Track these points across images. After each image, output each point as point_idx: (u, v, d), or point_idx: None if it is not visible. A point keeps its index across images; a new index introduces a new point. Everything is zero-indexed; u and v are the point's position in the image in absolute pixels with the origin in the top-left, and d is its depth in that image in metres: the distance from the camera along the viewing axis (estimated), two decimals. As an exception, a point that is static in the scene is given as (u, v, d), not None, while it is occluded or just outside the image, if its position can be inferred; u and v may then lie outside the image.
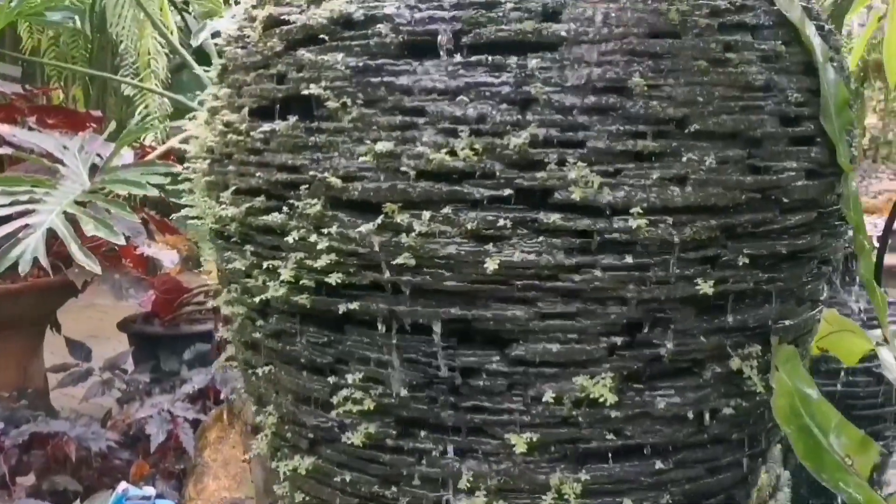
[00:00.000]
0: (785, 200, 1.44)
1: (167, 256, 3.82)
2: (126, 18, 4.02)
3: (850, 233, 1.61)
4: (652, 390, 1.45)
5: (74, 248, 2.52)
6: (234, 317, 1.67)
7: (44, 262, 2.52)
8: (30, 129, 3.20)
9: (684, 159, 1.36)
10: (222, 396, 3.19)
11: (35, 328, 3.95)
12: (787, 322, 1.54)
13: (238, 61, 1.61)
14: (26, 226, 2.54)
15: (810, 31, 1.51)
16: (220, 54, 1.75)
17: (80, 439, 3.20)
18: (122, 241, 2.60)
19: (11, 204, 2.60)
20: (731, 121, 1.39)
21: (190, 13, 4.42)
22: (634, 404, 1.44)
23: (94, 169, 2.98)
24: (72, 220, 2.67)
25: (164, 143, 3.98)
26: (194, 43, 2.84)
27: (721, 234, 1.40)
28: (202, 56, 3.84)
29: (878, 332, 1.88)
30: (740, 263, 1.41)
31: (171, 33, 3.81)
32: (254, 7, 1.66)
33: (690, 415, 1.46)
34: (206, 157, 1.67)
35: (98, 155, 3.07)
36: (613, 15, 1.36)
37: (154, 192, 2.72)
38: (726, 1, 1.43)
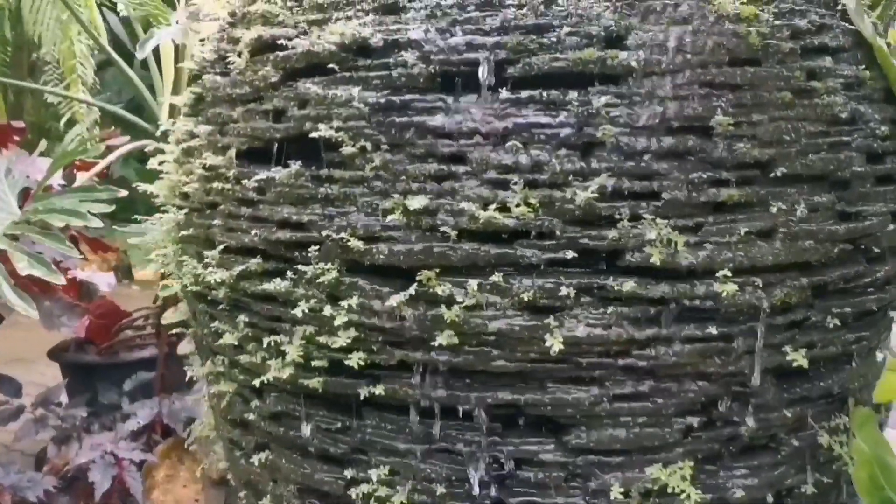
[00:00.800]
0: (875, 250, 1.25)
1: (103, 280, 3.49)
2: (47, 21, 3.63)
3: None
4: (727, 471, 1.24)
5: (6, 290, 2.19)
6: (221, 393, 1.41)
7: (-30, 302, 2.19)
8: (-53, 149, 2.83)
9: (773, 209, 1.16)
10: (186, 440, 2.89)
11: (-43, 364, 3.56)
12: (863, 379, 1.36)
13: (219, 92, 1.34)
14: (-51, 264, 2.20)
15: (883, 45, 1.33)
16: (192, 79, 1.47)
17: (16, 488, 2.89)
18: (61, 281, 2.28)
19: (-69, 239, 2.26)
20: (819, 161, 1.19)
21: (116, 13, 4.05)
22: (708, 489, 1.23)
23: (24, 192, 2.63)
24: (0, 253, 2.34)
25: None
26: (140, 55, 2.53)
27: (811, 293, 1.20)
28: (123, 50, 3.50)
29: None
30: (830, 326, 1.22)
31: (100, 35, 3.45)
32: (233, 25, 1.39)
33: (769, 497, 1.26)
34: (182, 205, 1.40)
35: (28, 176, 2.72)
36: (688, 40, 1.14)
37: (97, 224, 2.40)
38: (806, 20, 1.23)
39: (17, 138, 3.28)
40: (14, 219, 2.47)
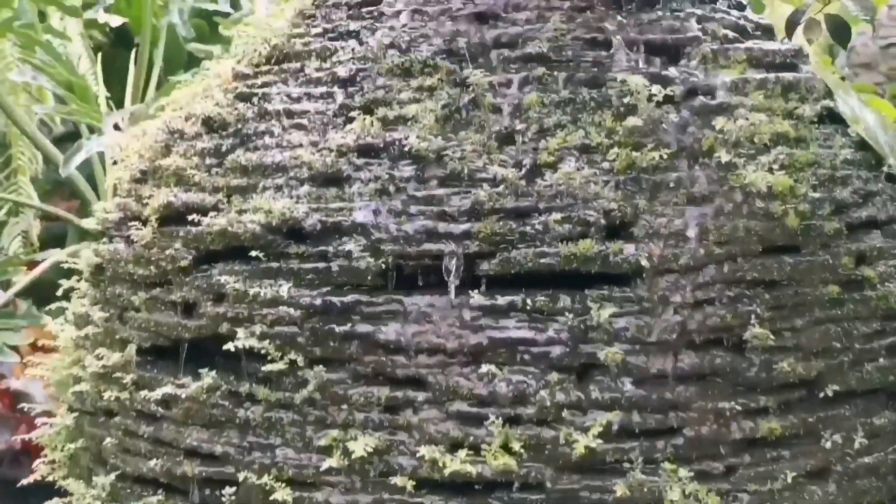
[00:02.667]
0: (942, 474, 1.00)
1: (39, 389, 3.18)
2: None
3: None
4: None
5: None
6: None
7: None
8: None
9: (826, 443, 0.90)
10: None
11: None
12: None
13: (120, 267, 1.07)
14: None
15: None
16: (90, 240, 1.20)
17: None
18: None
19: None
20: (876, 371, 0.95)
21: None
22: None
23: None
24: None
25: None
26: (64, 171, 2.27)
27: (872, 543, 0.94)
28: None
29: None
30: (895, 581, 0.95)
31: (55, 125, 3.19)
32: (143, 177, 1.11)
33: None
34: (74, 406, 1.12)
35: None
36: (711, 225, 0.89)
37: (13, 359, 2.11)
38: (849, 189, 0.99)
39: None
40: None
